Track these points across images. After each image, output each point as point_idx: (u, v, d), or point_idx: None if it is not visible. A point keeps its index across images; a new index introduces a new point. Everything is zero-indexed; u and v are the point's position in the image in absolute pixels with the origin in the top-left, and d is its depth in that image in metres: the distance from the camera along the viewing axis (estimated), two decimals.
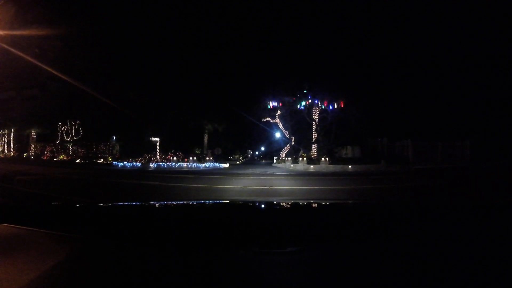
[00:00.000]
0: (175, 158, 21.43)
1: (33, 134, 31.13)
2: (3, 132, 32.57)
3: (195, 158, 22.06)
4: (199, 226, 1.00)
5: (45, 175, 12.02)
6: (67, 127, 28.94)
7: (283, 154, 23.59)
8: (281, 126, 23.22)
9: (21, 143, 31.87)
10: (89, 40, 22.55)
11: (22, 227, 1.02)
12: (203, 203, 1.87)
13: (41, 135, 30.99)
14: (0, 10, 11.75)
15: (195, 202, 1.92)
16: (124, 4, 30.38)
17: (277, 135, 24.71)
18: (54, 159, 26.09)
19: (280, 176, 13.37)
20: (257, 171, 16.02)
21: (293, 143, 22.85)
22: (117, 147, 26.99)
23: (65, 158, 26.11)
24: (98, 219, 1.12)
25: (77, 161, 23.97)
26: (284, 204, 1.56)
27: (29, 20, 14.45)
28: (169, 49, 29.65)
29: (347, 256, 0.83)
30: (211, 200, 4.14)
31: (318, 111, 21.76)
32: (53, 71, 19.83)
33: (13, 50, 14.21)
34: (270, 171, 16.46)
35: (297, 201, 2.93)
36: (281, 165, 21.74)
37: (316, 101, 21.60)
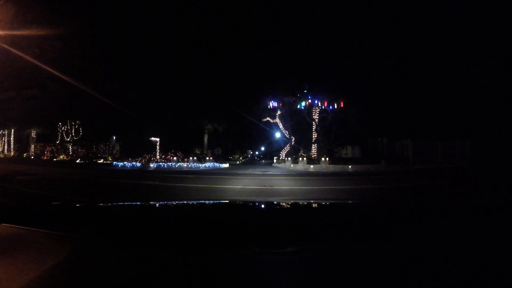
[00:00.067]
0: (175, 158, 21.43)
1: (33, 134, 31.14)
2: (3, 132, 32.58)
3: (195, 158, 22.07)
4: (199, 226, 1.00)
5: (45, 175, 12.03)
6: (67, 127, 28.96)
7: (283, 154, 23.59)
8: (281, 126, 23.23)
9: (21, 143, 31.89)
10: (89, 40, 22.54)
11: (22, 227, 1.02)
12: (203, 203, 1.87)
13: (41, 135, 31.01)
14: (0, 10, 11.75)
15: (195, 202, 1.92)
16: (124, 4, 30.38)
17: (277, 135, 24.73)
18: (54, 159, 26.10)
19: (280, 176, 13.37)
20: (257, 171, 16.02)
21: (293, 143, 22.85)
22: (117, 147, 27.00)
23: (65, 158, 26.12)
24: (98, 219, 1.12)
25: (77, 161, 23.98)
26: (284, 204, 1.56)
27: (29, 20, 14.44)
28: (169, 49, 29.67)
29: (347, 256, 0.83)
30: (211, 200, 4.14)
31: (318, 111, 21.77)
32: (53, 71, 19.82)
33: (13, 50, 14.21)
34: (270, 171, 16.46)
35: (297, 201, 2.93)
36: (281, 165, 21.74)
37: (316, 101, 21.61)
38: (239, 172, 15.19)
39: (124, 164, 19.54)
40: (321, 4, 36.37)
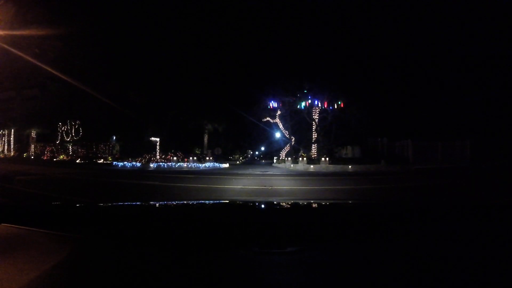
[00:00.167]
0: (175, 158, 21.43)
1: (33, 134, 31.14)
2: (3, 132, 32.58)
3: (195, 158, 22.07)
4: (199, 226, 1.00)
5: (45, 175, 12.02)
6: (67, 127, 28.95)
7: (283, 154, 23.59)
8: (281, 126, 23.23)
9: (21, 143, 31.89)
10: (89, 40, 22.58)
11: (22, 227, 1.02)
12: (203, 203, 1.87)
13: (41, 135, 31.01)
14: (0, 10, 11.75)
15: (195, 202, 1.92)
16: (124, 4, 30.40)
17: (277, 135, 24.72)
18: (54, 159, 26.09)
19: (280, 176, 13.37)
20: (257, 171, 16.02)
21: (293, 143, 22.85)
22: (117, 147, 26.99)
23: (65, 158, 26.11)
24: (98, 219, 1.12)
25: (77, 161, 23.97)
26: (284, 204, 1.56)
27: (29, 20, 14.45)
28: (169, 49, 29.71)
29: (347, 256, 0.83)
30: (211, 200, 4.14)
31: (318, 111, 21.78)
32: (53, 71, 19.85)
33: (13, 50, 14.21)
34: (270, 171, 16.46)
35: (297, 201, 2.93)
36: (281, 165, 21.74)
37: (316, 101, 21.62)
38: (239, 172, 15.19)
39: (124, 164, 19.54)
40: (321, 4, 36.40)
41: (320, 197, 6.94)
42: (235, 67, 31.92)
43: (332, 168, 17.58)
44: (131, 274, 0.75)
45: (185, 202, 2.02)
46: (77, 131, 28.54)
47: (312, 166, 18.28)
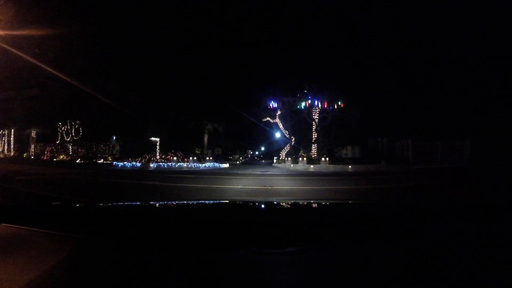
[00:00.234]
0: (175, 158, 21.43)
1: (33, 134, 31.15)
2: (3, 132, 32.59)
3: (195, 158, 22.07)
4: (199, 226, 1.00)
5: (45, 175, 12.02)
6: (67, 127, 28.96)
7: (283, 154, 23.59)
8: (281, 126, 23.23)
9: (21, 143, 31.90)
10: (89, 40, 22.60)
11: (22, 227, 1.02)
12: (203, 203, 1.87)
13: (41, 135, 31.03)
14: (0, 10, 11.75)
15: (195, 202, 1.92)
16: (124, 4, 30.40)
17: (277, 135, 24.72)
18: (54, 159, 26.09)
19: (280, 176, 13.37)
20: (257, 171, 16.02)
21: (293, 143, 22.86)
22: (117, 147, 26.99)
23: (65, 158, 26.11)
24: (98, 219, 1.12)
25: (77, 161, 23.97)
26: (284, 204, 1.56)
27: (29, 20, 14.47)
28: (169, 49, 29.72)
29: (347, 256, 0.83)
30: (211, 200, 4.14)
31: (318, 111, 21.78)
32: (53, 71, 19.86)
33: (13, 50, 14.22)
34: (270, 171, 16.46)
35: (297, 201, 2.93)
36: (281, 165, 21.74)
37: (316, 101, 21.62)
38: (239, 172, 15.19)
39: (124, 164, 19.53)
40: (321, 4, 36.41)
41: (320, 197, 6.94)
42: (235, 67, 31.98)
43: (332, 168, 17.58)
44: (131, 274, 0.75)
45: (185, 202, 2.02)
46: (77, 131, 28.55)
47: (312, 166, 18.28)
